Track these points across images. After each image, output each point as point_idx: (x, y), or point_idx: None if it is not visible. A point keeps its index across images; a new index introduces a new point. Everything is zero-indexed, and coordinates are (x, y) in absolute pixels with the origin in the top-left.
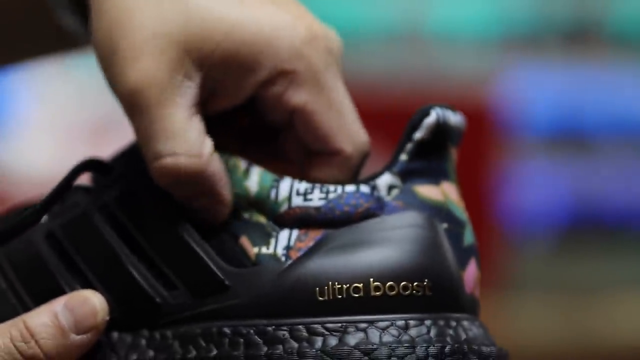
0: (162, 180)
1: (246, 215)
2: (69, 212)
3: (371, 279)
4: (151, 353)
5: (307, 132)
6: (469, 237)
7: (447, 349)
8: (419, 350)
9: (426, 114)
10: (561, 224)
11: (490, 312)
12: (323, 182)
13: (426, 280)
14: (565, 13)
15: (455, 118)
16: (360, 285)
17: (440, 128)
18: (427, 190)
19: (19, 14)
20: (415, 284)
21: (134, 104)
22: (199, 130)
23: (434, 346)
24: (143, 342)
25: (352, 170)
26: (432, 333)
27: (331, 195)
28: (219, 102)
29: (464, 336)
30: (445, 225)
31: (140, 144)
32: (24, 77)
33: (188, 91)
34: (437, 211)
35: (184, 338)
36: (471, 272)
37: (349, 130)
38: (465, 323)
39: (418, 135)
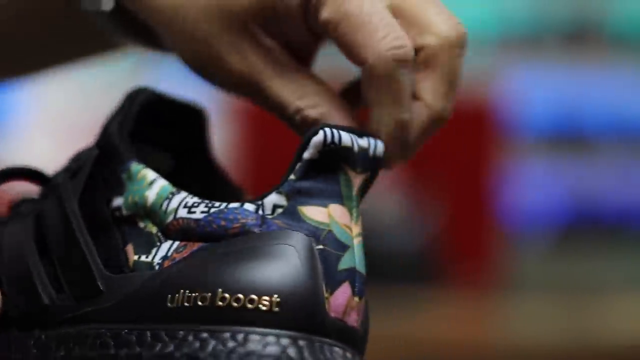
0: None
1: (142, 224)
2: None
3: (219, 289)
4: (34, 352)
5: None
6: (348, 261)
7: None
8: None
9: (315, 132)
10: (560, 224)
11: (490, 312)
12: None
13: (275, 295)
14: (565, 13)
15: (352, 139)
16: (208, 294)
17: (329, 148)
18: (311, 211)
19: (56, 18)
20: (263, 298)
21: (250, 86)
22: (317, 83)
23: None
24: (31, 342)
25: (384, 82)
26: (271, 349)
27: (213, 210)
28: (303, 50)
29: (272, 352)
30: (320, 246)
31: (275, 111)
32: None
33: (281, 58)
34: (315, 232)
35: (60, 339)
36: (341, 297)
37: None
38: (318, 346)
39: (306, 154)
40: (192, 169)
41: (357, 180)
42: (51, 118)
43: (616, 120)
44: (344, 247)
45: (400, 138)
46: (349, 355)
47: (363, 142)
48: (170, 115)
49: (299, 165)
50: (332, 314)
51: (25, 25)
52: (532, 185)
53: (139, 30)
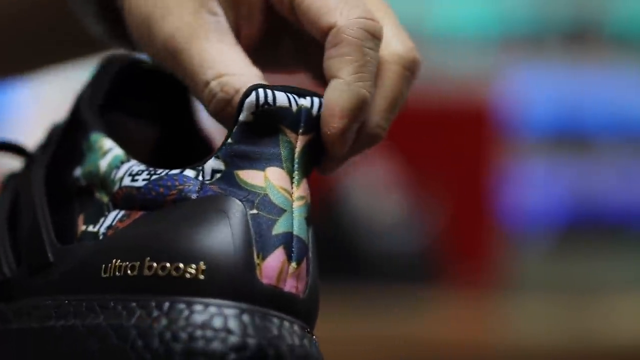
0: (216, 107)
1: (97, 195)
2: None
3: (147, 258)
4: None
5: (304, 17)
6: (284, 225)
7: (197, 333)
8: (166, 334)
9: (247, 94)
10: (561, 224)
11: (490, 312)
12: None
13: (201, 263)
14: (565, 13)
15: (289, 98)
16: (137, 263)
17: (263, 110)
18: (247, 175)
19: (48, 21)
20: (189, 265)
21: (171, 51)
22: (239, 56)
23: (182, 331)
24: None
25: (351, 49)
26: (196, 318)
27: (153, 177)
28: (249, 30)
29: (198, 321)
30: (254, 211)
31: (191, 90)
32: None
33: (217, 26)
34: (249, 196)
35: (16, 311)
36: (274, 262)
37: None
38: (248, 313)
39: (241, 117)
40: (177, 138)
41: (299, 141)
42: (51, 117)
43: (617, 120)
44: (279, 211)
45: (355, 119)
46: (286, 323)
47: (304, 101)
48: (151, 84)
49: (235, 128)
50: (265, 280)
51: (21, 23)
52: (533, 185)
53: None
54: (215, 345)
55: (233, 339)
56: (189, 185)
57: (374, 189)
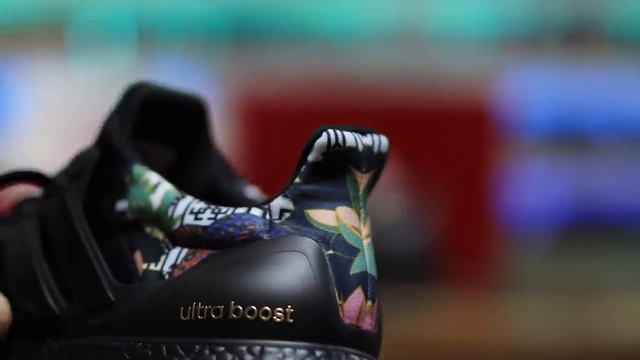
0: None
1: (148, 230)
2: (14, 218)
3: (232, 302)
4: None
5: None
6: (359, 265)
7: None
8: None
9: (318, 135)
10: (561, 224)
11: (490, 312)
12: None
13: (289, 306)
14: (565, 13)
15: (356, 139)
16: (221, 307)
17: (334, 150)
18: (318, 215)
19: None
20: (277, 309)
21: None
22: None
23: None
24: (44, 351)
25: None
26: None
27: (220, 216)
28: None
29: None
30: (330, 252)
31: None
32: (23, 77)
33: None
34: (325, 236)
35: (73, 350)
36: (354, 302)
37: None
38: (335, 355)
39: (311, 157)
40: (194, 160)
41: (363, 179)
42: (51, 118)
43: (616, 120)
44: (354, 251)
45: None
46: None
47: (367, 139)
48: (170, 108)
49: (304, 168)
50: (347, 320)
51: None
52: (533, 185)
53: None
54: None
55: None
56: (259, 225)
57: (374, 188)
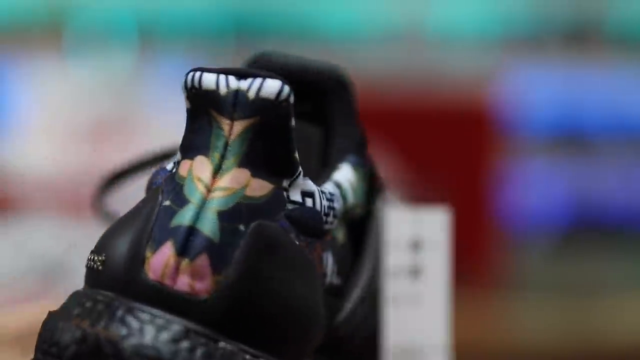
0: None
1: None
2: None
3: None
4: None
5: None
6: (182, 217)
7: (76, 334)
8: (65, 337)
9: (185, 76)
10: (561, 225)
11: (491, 312)
12: None
13: (103, 255)
14: (565, 13)
15: (217, 81)
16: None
17: (192, 93)
18: (182, 167)
19: None
20: (99, 257)
21: None
22: None
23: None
24: None
25: None
26: (83, 312)
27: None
28: None
29: (101, 324)
30: (166, 203)
31: None
32: (23, 77)
33: None
34: (174, 189)
35: None
36: (159, 257)
37: None
38: (115, 307)
39: (185, 103)
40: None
41: (232, 127)
42: (51, 117)
43: (618, 120)
44: (183, 202)
45: None
46: (159, 321)
47: (237, 83)
48: (304, 83)
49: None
50: (151, 275)
51: None
52: (533, 185)
53: None
54: (64, 336)
55: (77, 333)
56: (159, 178)
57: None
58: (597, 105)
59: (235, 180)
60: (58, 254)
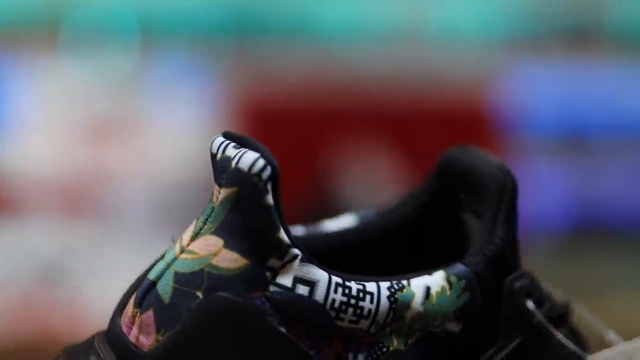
0: None
1: None
2: None
3: None
4: None
5: None
6: (152, 272)
7: None
8: None
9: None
10: (564, 226)
11: None
12: None
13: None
14: (566, 13)
15: (219, 147)
16: None
17: (210, 154)
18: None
19: None
20: None
21: None
22: None
23: None
24: None
25: None
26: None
27: None
28: None
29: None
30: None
31: None
32: (23, 77)
33: None
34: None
35: None
36: (129, 306)
37: None
38: (87, 346)
39: None
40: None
41: (221, 194)
42: (51, 117)
43: (619, 121)
44: (161, 259)
45: None
46: None
47: (229, 151)
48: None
49: None
50: (122, 322)
51: None
52: (536, 186)
53: None
54: None
55: None
56: None
57: (375, 188)
58: (598, 106)
59: (204, 247)
60: (56, 253)
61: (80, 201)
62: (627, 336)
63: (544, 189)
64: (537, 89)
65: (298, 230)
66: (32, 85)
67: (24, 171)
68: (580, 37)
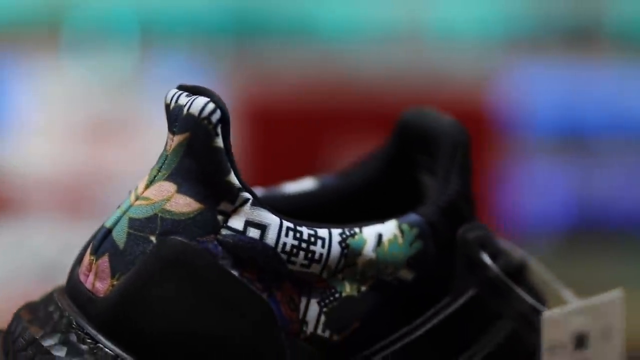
0: None
1: None
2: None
3: None
4: None
5: None
6: (108, 221)
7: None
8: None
9: None
10: (564, 226)
11: None
12: None
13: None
14: (566, 13)
15: (173, 96)
16: None
17: (164, 105)
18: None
19: None
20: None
21: None
22: None
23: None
24: None
25: None
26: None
27: None
28: None
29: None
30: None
31: None
32: (23, 77)
33: None
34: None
35: None
36: (86, 255)
37: None
38: (49, 298)
39: None
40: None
41: (173, 141)
42: (51, 117)
43: (619, 121)
44: (117, 208)
45: None
46: (56, 314)
47: (184, 99)
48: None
49: None
50: (80, 275)
51: None
52: (535, 186)
53: None
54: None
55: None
56: None
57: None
58: (598, 106)
59: (158, 192)
60: (56, 253)
61: (80, 201)
62: (628, 336)
63: (544, 189)
64: (537, 89)
65: (258, 191)
66: (32, 85)
67: (24, 171)
68: (580, 37)
